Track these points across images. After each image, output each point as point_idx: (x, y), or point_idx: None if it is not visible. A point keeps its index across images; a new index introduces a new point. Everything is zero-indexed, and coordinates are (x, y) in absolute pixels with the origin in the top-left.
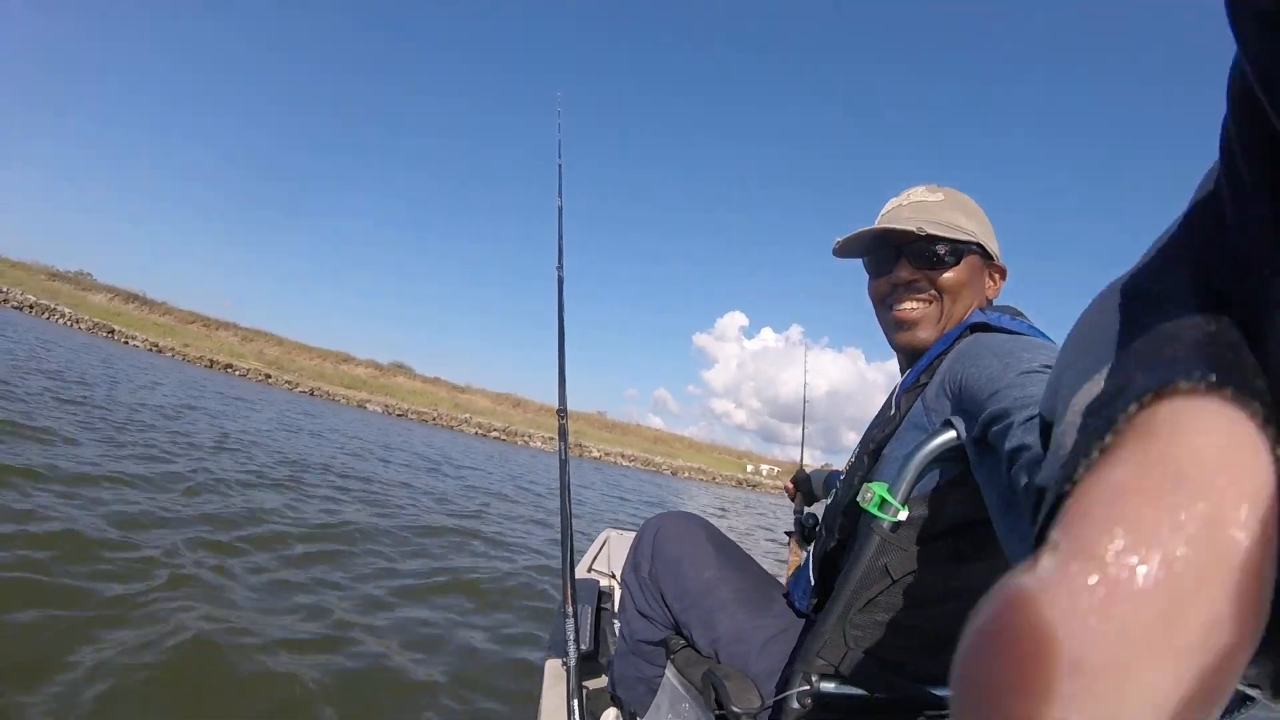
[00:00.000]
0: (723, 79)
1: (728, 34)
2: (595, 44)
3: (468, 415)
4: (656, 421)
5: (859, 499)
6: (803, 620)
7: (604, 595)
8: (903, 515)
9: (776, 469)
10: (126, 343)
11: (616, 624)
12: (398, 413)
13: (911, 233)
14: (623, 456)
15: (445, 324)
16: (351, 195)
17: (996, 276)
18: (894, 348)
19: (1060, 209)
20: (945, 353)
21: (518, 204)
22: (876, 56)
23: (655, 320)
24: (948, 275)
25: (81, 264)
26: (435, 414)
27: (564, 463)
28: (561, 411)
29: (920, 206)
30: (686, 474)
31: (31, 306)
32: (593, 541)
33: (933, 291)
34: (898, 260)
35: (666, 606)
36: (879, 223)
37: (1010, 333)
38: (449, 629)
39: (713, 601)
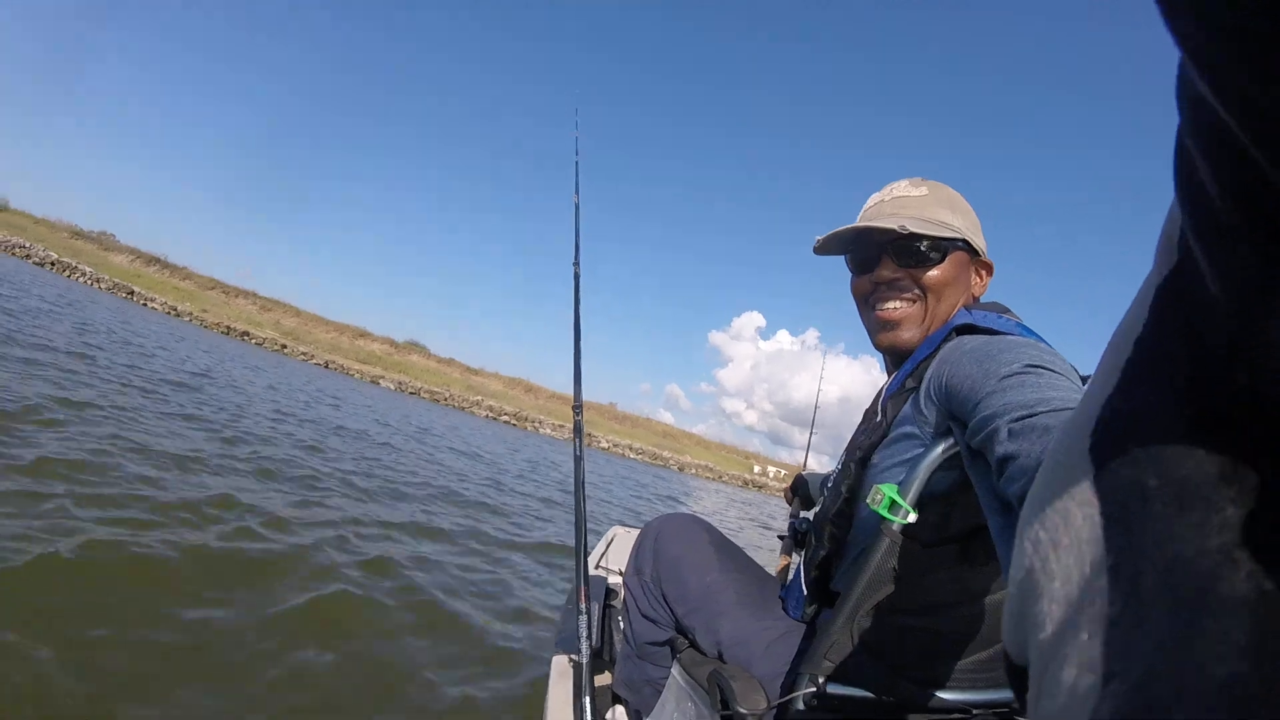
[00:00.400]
0: (755, 76)
1: (758, 28)
2: (628, 32)
3: (480, 398)
4: (667, 417)
5: (869, 501)
6: (804, 623)
7: (611, 592)
8: (912, 517)
9: (783, 471)
10: (145, 304)
11: (622, 622)
12: (410, 390)
13: (893, 230)
14: (631, 449)
15: (463, 306)
16: (378, 169)
17: (983, 273)
18: (878, 349)
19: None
20: (931, 356)
21: (542, 190)
22: (910, 54)
23: (672, 315)
24: (932, 273)
25: (105, 224)
26: (448, 394)
27: (579, 460)
28: (577, 408)
29: (903, 202)
30: (693, 470)
31: (53, 264)
32: (600, 538)
33: (917, 290)
34: (880, 258)
35: (669, 609)
36: (860, 219)
37: (992, 332)
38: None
39: (715, 604)
